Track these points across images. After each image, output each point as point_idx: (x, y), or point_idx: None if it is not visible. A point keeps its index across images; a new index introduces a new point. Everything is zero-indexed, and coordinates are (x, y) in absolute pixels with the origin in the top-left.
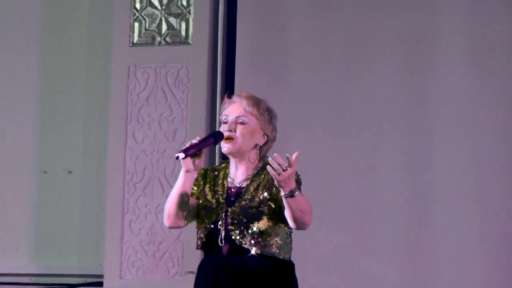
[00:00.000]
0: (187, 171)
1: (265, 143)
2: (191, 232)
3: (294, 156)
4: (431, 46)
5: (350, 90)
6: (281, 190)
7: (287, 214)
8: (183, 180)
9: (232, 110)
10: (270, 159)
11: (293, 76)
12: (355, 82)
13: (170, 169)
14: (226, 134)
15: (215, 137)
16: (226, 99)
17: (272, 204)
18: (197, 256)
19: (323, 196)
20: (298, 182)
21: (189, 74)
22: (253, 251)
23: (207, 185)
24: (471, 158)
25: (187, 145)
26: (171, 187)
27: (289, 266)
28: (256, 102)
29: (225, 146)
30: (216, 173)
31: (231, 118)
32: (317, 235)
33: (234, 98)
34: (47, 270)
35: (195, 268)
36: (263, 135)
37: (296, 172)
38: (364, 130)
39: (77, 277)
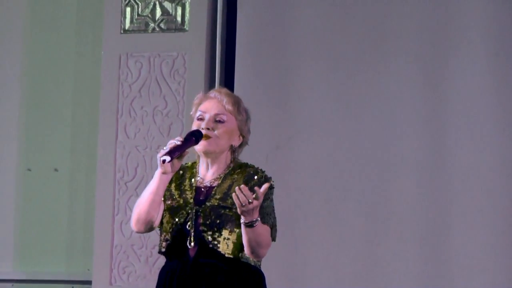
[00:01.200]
0: (164, 173)
1: (240, 145)
2: None
3: (262, 189)
4: (450, 41)
5: (360, 84)
6: (242, 217)
7: (243, 239)
8: (157, 182)
9: (210, 107)
10: (237, 188)
11: (298, 67)
12: (366, 77)
13: None
14: (204, 132)
15: (196, 136)
16: (201, 94)
17: None
18: None
19: (333, 197)
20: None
21: (185, 63)
22: (226, 254)
23: (173, 184)
24: (489, 158)
25: (169, 146)
26: None
27: (260, 275)
28: (236, 100)
29: (200, 144)
30: (181, 172)
31: (208, 115)
32: (325, 236)
33: (212, 94)
34: (31, 276)
35: None
36: (239, 136)
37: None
38: (375, 128)
39: (64, 283)
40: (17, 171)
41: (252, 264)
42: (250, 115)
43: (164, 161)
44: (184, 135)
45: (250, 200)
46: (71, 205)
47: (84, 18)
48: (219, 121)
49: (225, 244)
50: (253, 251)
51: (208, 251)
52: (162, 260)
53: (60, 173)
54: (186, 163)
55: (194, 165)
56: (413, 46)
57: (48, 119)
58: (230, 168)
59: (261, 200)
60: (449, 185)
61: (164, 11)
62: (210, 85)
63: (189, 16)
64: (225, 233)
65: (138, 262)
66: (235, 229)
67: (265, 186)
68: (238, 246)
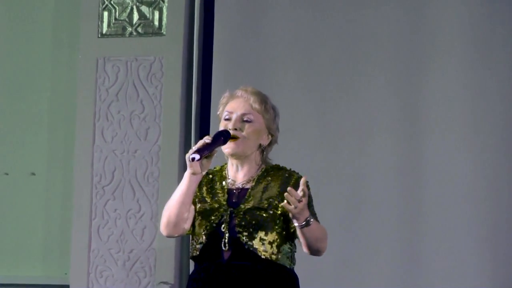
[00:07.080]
0: (194, 173)
1: (269, 144)
2: (164, 240)
3: (302, 184)
4: (426, 42)
5: (336, 89)
6: (295, 221)
7: (302, 241)
8: (187, 183)
9: (237, 106)
10: (286, 194)
11: (275, 72)
12: (342, 81)
13: (142, 171)
14: (231, 132)
15: (224, 136)
16: (227, 94)
17: (278, 213)
18: (171, 266)
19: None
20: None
21: (162, 67)
22: (263, 255)
23: (204, 188)
24: (466, 159)
25: (199, 145)
26: (143, 190)
27: (294, 277)
28: (263, 99)
29: (228, 147)
30: (210, 176)
31: (235, 115)
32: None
33: (239, 93)
34: (7, 280)
35: (168, 278)
36: (268, 135)
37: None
38: (351, 133)
39: (41, 287)
40: None
41: (288, 266)
42: (279, 112)
43: (193, 159)
44: (162, 139)
45: (299, 199)
46: (48, 209)
47: (61, 22)
48: (247, 121)
49: (261, 245)
50: (314, 249)
51: (242, 253)
52: (139, 265)
53: (37, 177)
54: (214, 167)
55: (223, 168)
56: (388, 51)
57: (25, 123)
58: (263, 170)
59: (307, 195)
60: (424, 189)
61: (142, 15)
62: (187, 89)
63: (166, 20)
64: (261, 234)
65: (116, 266)
66: (270, 231)
67: (303, 180)
68: (275, 247)
